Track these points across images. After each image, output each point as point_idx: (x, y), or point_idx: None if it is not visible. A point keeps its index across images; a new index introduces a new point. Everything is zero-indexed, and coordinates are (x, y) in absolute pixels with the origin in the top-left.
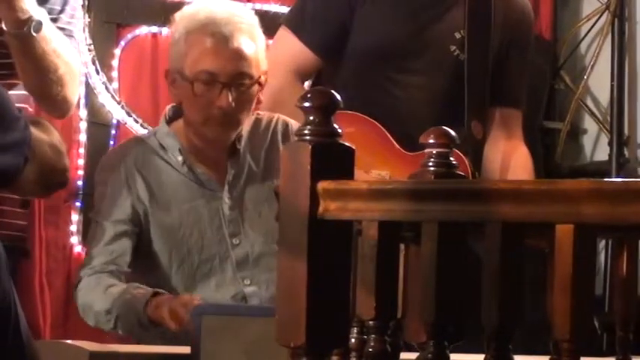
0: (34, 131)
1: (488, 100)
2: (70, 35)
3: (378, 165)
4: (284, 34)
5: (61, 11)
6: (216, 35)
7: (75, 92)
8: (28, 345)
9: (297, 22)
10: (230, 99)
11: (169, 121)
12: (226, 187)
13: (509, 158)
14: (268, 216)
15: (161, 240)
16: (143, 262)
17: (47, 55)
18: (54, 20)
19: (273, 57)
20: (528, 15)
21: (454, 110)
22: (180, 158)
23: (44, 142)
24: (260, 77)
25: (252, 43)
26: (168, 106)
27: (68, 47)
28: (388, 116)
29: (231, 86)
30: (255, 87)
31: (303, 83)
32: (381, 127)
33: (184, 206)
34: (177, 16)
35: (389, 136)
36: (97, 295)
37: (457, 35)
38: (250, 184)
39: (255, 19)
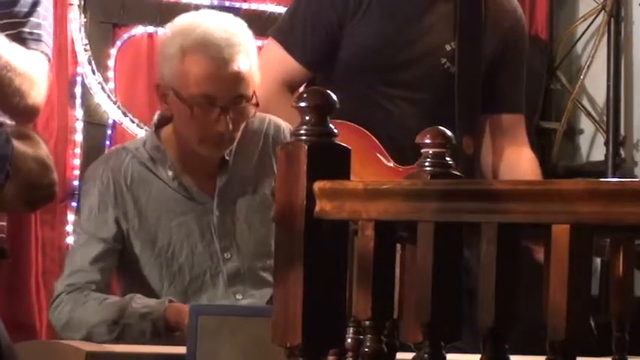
0: (19, 145)
1: (480, 114)
2: (37, 40)
3: (371, 178)
4: (272, 45)
5: (29, 14)
6: (215, 59)
7: (38, 99)
8: None
9: (285, 35)
10: (229, 122)
11: (158, 126)
12: (216, 200)
13: (516, 167)
14: (259, 228)
15: (150, 258)
16: (131, 279)
17: None
18: (20, 24)
19: (261, 67)
20: (521, 19)
21: (445, 124)
22: (170, 173)
23: (29, 156)
24: (254, 94)
25: (248, 60)
26: (157, 113)
27: (24, 56)
28: (378, 129)
29: (229, 109)
30: (251, 105)
31: (292, 93)
32: (375, 140)
33: (174, 222)
34: (171, 29)
35: (382, 149)
36: (92, 308)
37: (447, 47)
38: (242, 195)
39: (249, 32)
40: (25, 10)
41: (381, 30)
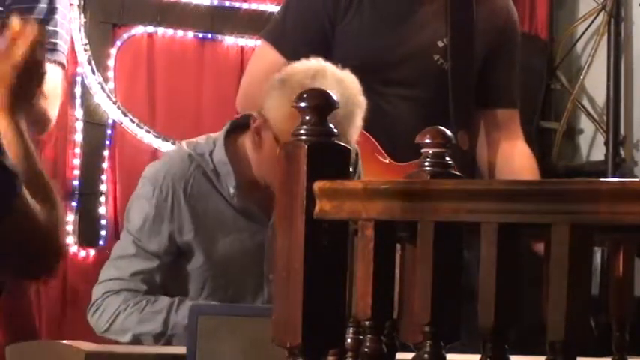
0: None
1: (473, 110)
2: (53, 50)
3: (368, 176)
4: (264, 47)
5: (46, 22)
6: None
7: (51, 111)
8: None
9: (277, 36)
10: None
11: (229, 132)
12: (272, 222)
13: (511, 162)
14: None
15: (199, 269)
16: (172, 285)
17: None
18: None
19: (252, 70)
20: (513, 14)
21: (440, 121)
22: (232, 192)
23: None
24: None
25: (357, 130)
26: (229, 122)
27: None
28: (374, 127)
29: None
30: None
31: None
32: (372, 138)
33: (229, 237)
34: (287, 81)
35: (378, 146)
36: (134, 317)
37: (440, 44)
38: None
39: (362, 98)
40: (42, 17)
41: (373, 28)
